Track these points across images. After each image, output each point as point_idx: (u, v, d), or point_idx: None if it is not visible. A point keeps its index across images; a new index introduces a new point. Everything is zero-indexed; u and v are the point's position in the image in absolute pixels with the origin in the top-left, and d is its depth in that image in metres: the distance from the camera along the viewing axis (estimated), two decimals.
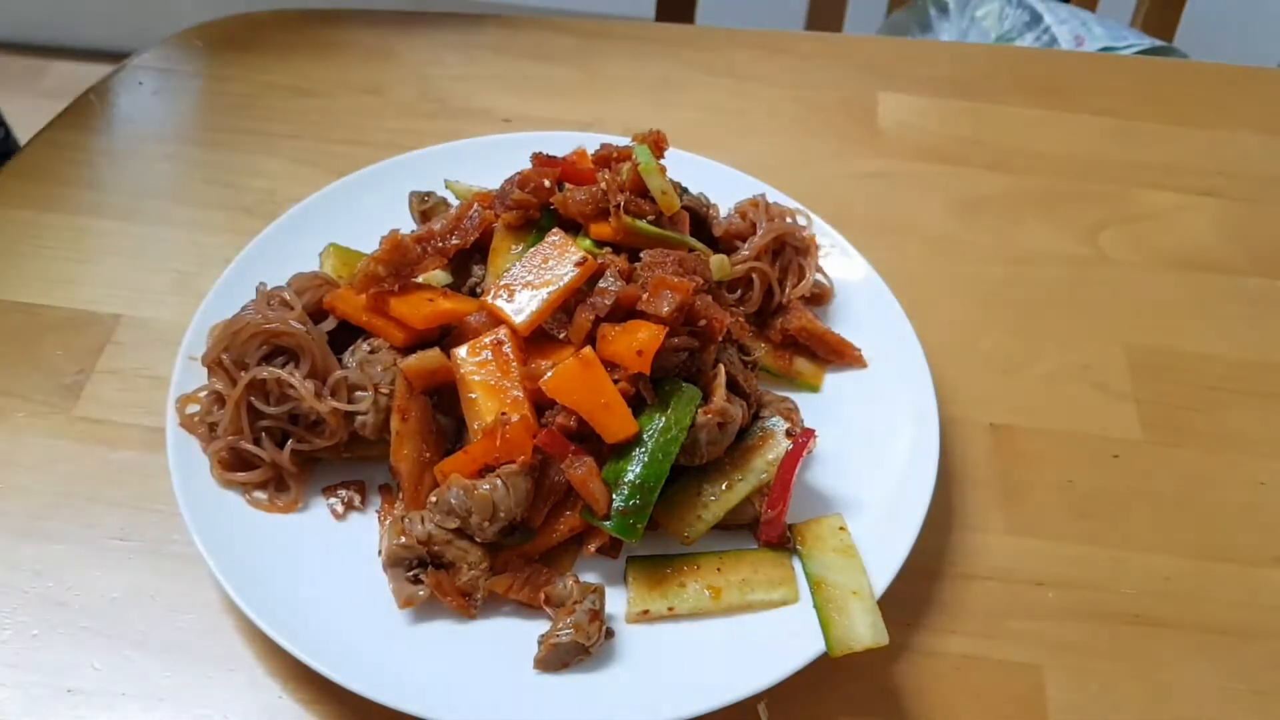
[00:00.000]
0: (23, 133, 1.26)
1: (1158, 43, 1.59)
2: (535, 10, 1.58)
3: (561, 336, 0.83)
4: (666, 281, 0.81)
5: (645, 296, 0.81)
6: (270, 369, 0.81)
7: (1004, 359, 1.03)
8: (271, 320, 0.82)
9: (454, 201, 1.03)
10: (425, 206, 1.01)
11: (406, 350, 0.84)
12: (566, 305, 0.83)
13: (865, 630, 0.76)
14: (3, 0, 2.77)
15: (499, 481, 0.77)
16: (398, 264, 0.85)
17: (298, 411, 0.82)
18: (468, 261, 0.93)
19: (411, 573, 0.78)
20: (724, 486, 0.83)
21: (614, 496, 0.78)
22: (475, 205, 0.92)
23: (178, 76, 1.26)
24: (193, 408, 0.85)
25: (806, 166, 1.21)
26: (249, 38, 1.31)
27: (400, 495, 0.82)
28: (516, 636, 0.77)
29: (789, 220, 1.00)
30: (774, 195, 1.05)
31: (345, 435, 0.83)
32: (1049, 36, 1.60)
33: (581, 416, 0.79)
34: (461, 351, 0.82)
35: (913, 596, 0.85)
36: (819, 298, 1.00)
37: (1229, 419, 0.99)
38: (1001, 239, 1.15)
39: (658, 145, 0.91)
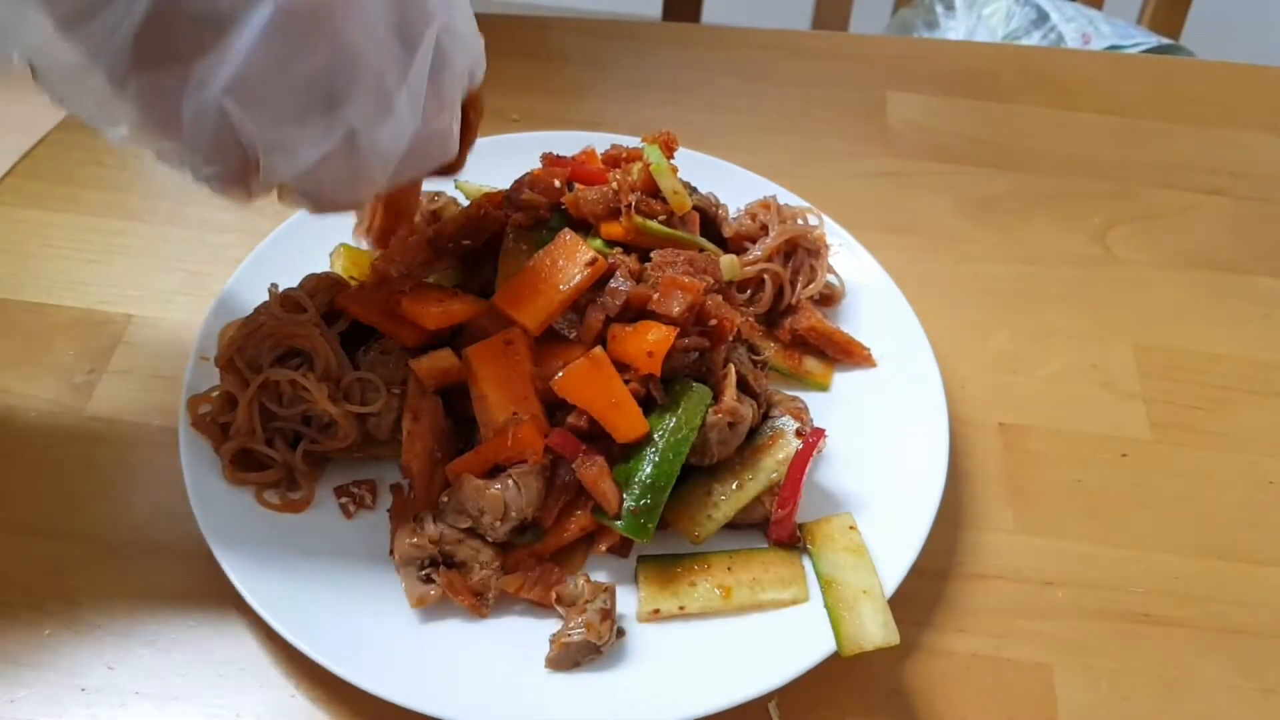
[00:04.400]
0: (24, 131, 1.26)
1: (1165, 41, 1.59)
2: (542, 10, 1.58)
3: (572, 336, 0.83)
4: (677, 282, 0.81)
5: (656, 297, 0.81)
6: (284, 371, 0.81)
7: (1013, 358, 1.03)
8: (285, 322, 0.82)
9: (463, 201, 1.03)
10: (435, 206, 1.01)
11: (418, 350, 0.84)
12: (577, 305, 0.83)
13: (876, 629, 0.76)
14: None
15: (510, 481, 0.77)
16: (408, 263, 0.85)
17: (310, 413, 0.82)
18: (478, 262, 0.93)
19: (423, 572, 0.78)
20: (734, 486, 0.83)
21: (625, 496, 0.79)
22: (484, 205, 0.93)
23: None
24: (205, 408, 0.85)
25: (815, 165, 1.21)
26: None
27: (412, 494, 0.82)
28: (528, 636, 0.78)
29: (800, 221, 1.01)
30: (784, 196, 1.05)
31: (358, 436, 0.83)
32: (1056, 35, 1.60)
33: (592, 416, 0.79)
34: (472, 351, 0.82)
35: (923, 595, 0.85)
36: (829, 298, 1.00)
37: (1238, 418, 0.99)
38: (1010, 238, 1.15)
39: (668, 146, 0.91)
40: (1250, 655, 0.84)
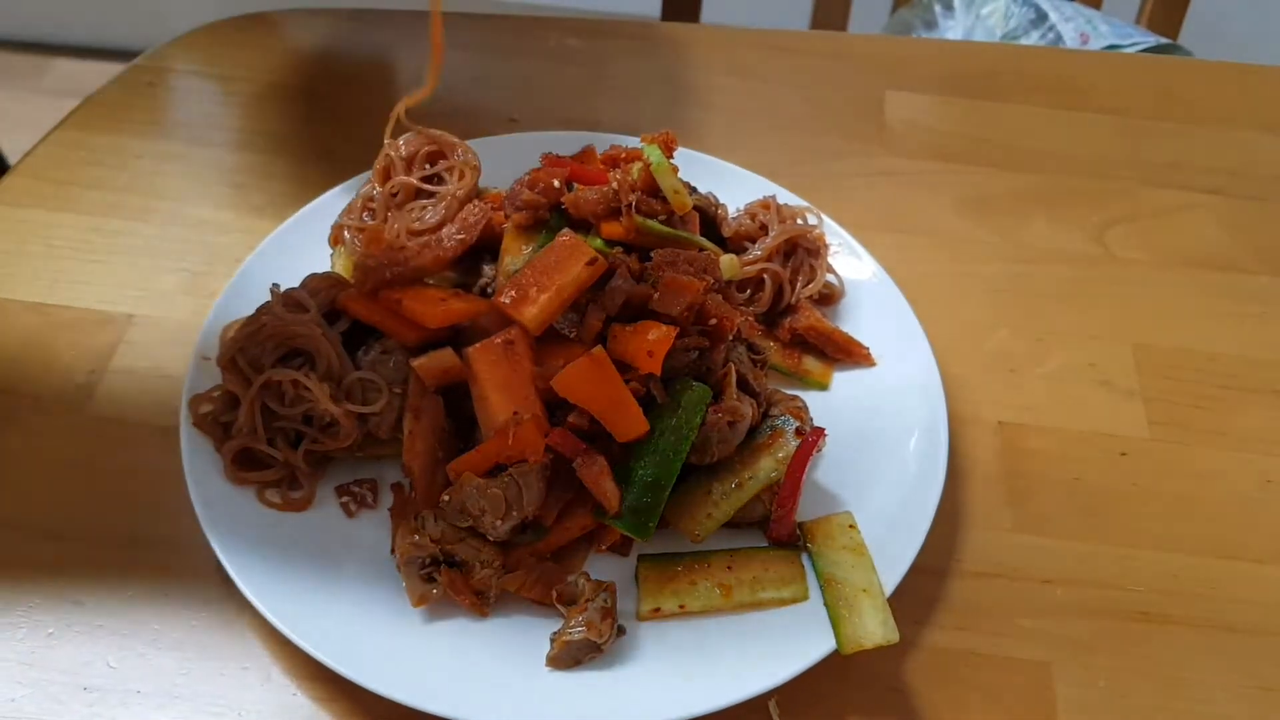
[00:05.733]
0: (24, 131, 1.26)
1: (1163, 41, 1.59)
2: (542, 10, 1.59)
3: (572, 336, 0.83)
4: (677, 281, 0.81)
5: (656, 296, 0.81)
6: (285, 370, 0.82)
7: (1011, 357, 1.03)
8: (288, 322, 0.82)
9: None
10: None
11: (418, 350, 0.84)
12: (578, 305, 0.83)
13: (876, 627, 0.76)
14: None
15: (511, 480, 0.77)
16: (383, 255, 0.86)
17: (312, 412, 0.83)
18: (478, 261, 0.93)
19: (425, 571, 0.78)
20: (734, 485, 0.83)
21: (625, 495, 0.79)
22: (477, 201, 0.93)
23: (186, 77, 1.26)
24: (206, 408, 0.85)
25: (813, 165, 1.21)
26: (258, 38, 1.31)
27: (413, 494, 0.83)
28: (529, 634, 0.78)
29: (800, 221, 1.01)
30: (783, 195, 1.05)
31: (359, 436, 0.83)
32: (1054, 34, 1.60)
33: (593, 415, 0.79)
34: (473, 351, 0.82)
35: (922, 594, 0.85)
36: (828, 298, 1.00)
37: (1236, 417, 1.00)
38: (1008, 237, 1.15)
39: (667, 146, 0.92)
40: (1248, 653, 0.84)
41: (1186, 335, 1.06)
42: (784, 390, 0.92)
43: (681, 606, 0.80)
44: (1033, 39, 1.62)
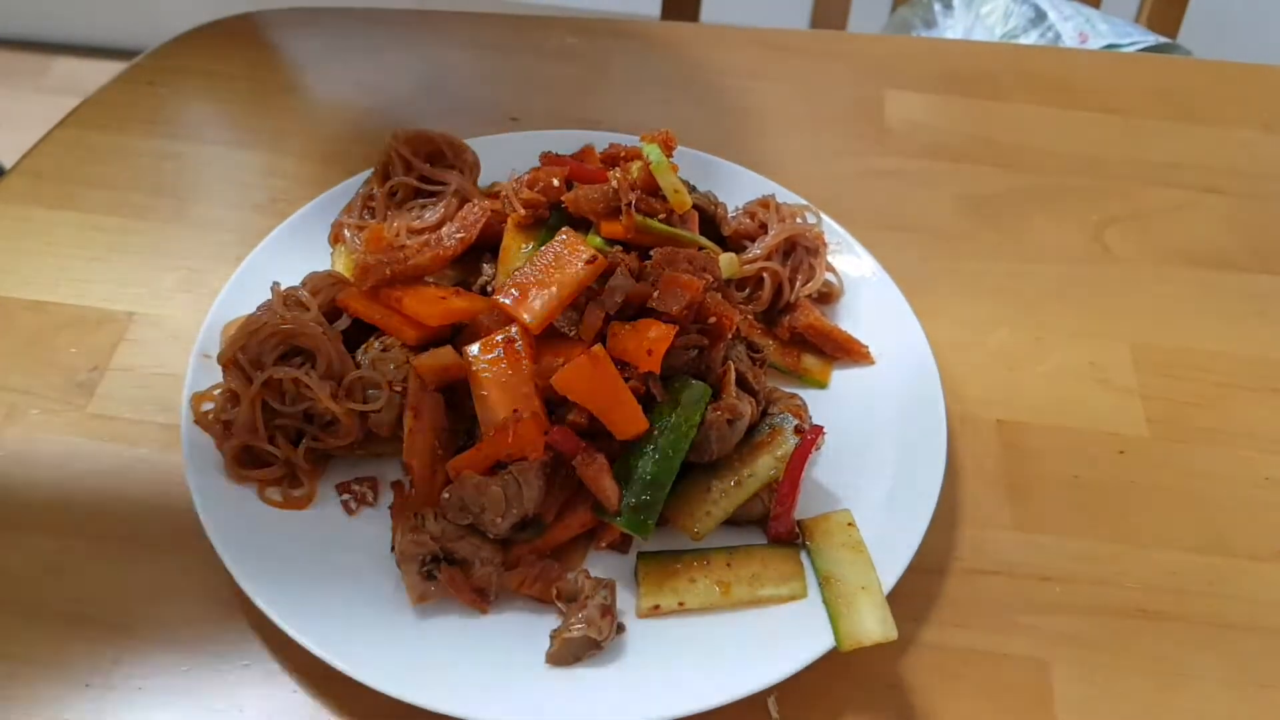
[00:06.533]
0: (24, 131, 1.26)
1: (1162, 40, 1.60)
2: (541, 9, 1.59)
3: (572, 334, 0.83)
4: (677, 279, 0.81)
5: (656, 294, 0.82)
6: (287, 369, 0.82)
7: (1010, 356, 1.04)
8: (289, 321, 0.83)
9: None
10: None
11: (418, 348, 0.85)
12: (577, 303, 0.84)
13: (874, 625, 0.76)
14: None
15: (511, 478, 0.77)
16: (383, 253, 0.86)
17: (312, 410, 0.83)
18: (478, 260, 0.93)
19: (425, 569, 0.78)
20: (733, 483, 0.83)
21: (625, 493, 0.79)
22: (476, 200, 0.94)
23: (187, 75, 1.27)
24: (207, 405, 0.86)
25: (813, 164, 1.21)
26: (258, 37, 1.31)
27: (413, 491, 0.83)
28: (528, 631, 0.78)
29: (799, 219, 1.01)
30: (782, 194, 1.06)
31: (360, 434, 0.84)
32: (1054, 34, 1.60)
33: (592, 413, 0.80)
34: (473, 349, 0.83)
35: (920, 591, 0.85)
36: (827, 296, 1.01)
37: (1234, 415, 1.00)
38: (1007, 236, 1.16)
39: (667, 144, 0.92)
40: (1246, 650, 0.84)
41: (1185, 334, 1.07)
42: (783, 388, 0.92)
43: (681, 604, 0.80)
44: (1032, 38, 1.62)
